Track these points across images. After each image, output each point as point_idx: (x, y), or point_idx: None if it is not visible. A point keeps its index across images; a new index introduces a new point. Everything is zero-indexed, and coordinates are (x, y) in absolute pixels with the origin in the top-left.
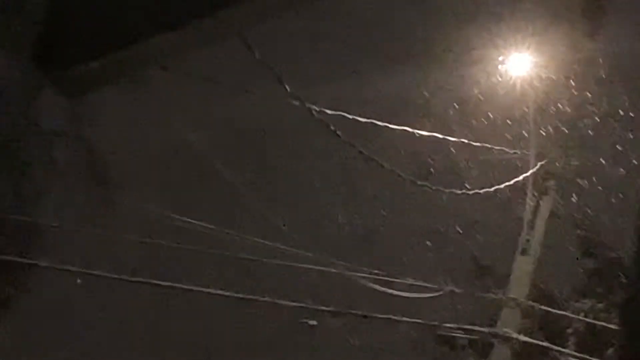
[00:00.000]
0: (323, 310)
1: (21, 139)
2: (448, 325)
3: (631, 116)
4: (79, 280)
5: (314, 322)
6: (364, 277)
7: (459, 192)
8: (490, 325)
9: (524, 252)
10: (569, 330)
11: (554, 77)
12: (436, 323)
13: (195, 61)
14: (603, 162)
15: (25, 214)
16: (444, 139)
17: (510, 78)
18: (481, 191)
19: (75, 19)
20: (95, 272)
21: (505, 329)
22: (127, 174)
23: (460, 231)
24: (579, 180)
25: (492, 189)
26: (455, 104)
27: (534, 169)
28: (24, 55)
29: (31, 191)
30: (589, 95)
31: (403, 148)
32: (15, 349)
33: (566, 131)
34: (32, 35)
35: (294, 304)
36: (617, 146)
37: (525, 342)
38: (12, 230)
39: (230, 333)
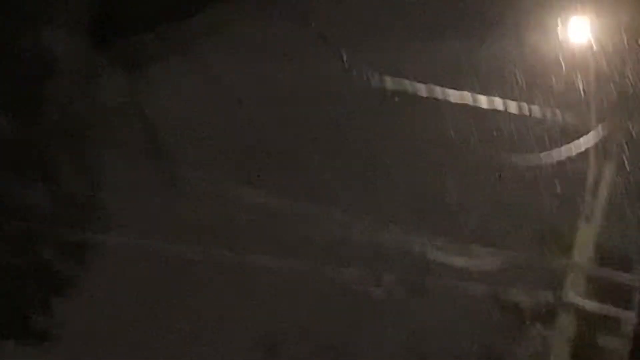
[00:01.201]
0: (386, 279)
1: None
2: (512, 292)
3: None
4: None
5: (377, 291)
6: (425, 245)
7: (520, 160)
8: (555, 292)
9: (588, 218)
10: (634, 295)
11: (616, 40)
12: (500, 290)
13: (252, 33)
14: None
15: (88, 190)
16: (503, 106)
17: (571, 42)
18: (542, 157)
19: None
20: (155, 246)
21: (569, 295)
22: (189, 147)
23: (522, 199)
24: None
25: (554, 155)
26: (514, 71)
27: (597, 135)
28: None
29: (92, 165)
30: None
31: (463, 116)
32: (85, 328)
33: (629, 95)
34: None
35: (357, 273)
36: None
37: (590, 308)
38: (76, 207)
39: (290, 305)
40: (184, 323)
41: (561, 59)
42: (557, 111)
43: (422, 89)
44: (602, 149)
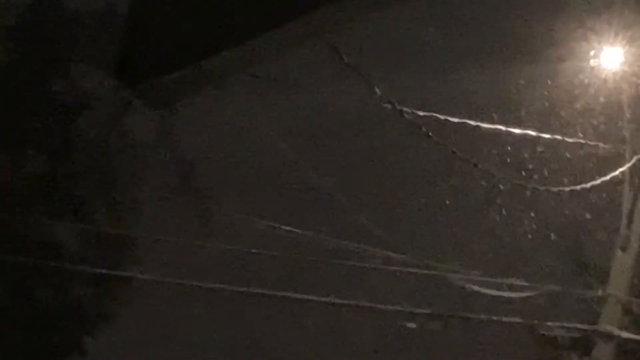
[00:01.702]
0: (421, 313)
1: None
2: (549, 324)
3: None
4: None
5: (413, 325)
6: (461, 279)
7: (555, 189)
8: (592, 323)
9: (623, 247)
10: None
11: None
12: (537, 322)
13: (283, 67)
14: None
15: (120, 227)
16: (537, 136)
17: (603, 72)
18: (578, 187)
19: (158, 31)
20: (187, 282)
21: (606, 326)
22: (218, 183)
23: (558, 229)
24: None
25: (589, 185)
26: (547, 101)
27: (631, 163)
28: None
29: (125, 204)
30: None
31: (496, 147)
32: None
33: None
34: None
35: (392, 307)
36: None
37: (627, 339)
38: (108, 243)
39: (328, 339)
40: (218, 357)
41: (595, 89)
42: (592, 141)
43: (454, 122)
44: (637, 178)
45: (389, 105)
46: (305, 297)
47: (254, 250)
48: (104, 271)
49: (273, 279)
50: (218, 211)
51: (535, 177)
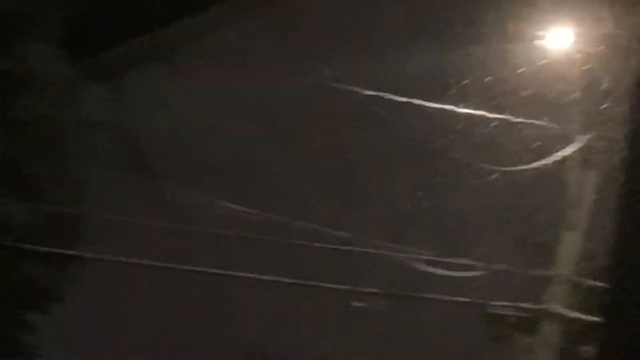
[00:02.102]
0: (369, 293)
1: (63, 130)
2: (496, 303)
3: None
4: None
5: (361, 304)
6: (409, 258)
7: (503, 168)
8: (538, 302)
9: (570, 227)
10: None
11: (595, 51)
12: (484, 302)
13: (231, 45)
14: None
15: (70, 206)
16: (485, 116)
17: (552, 52)
18: (525, 167)
19: (104, 6)
20: (139, 261)
21: (553, 305)
22: (170, 162)
23: (505, 208)
24: (625, 154)
25: (537, 164)
26: (495, 81)
27: (580, 144)
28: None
29: (76, 183)
30: (633, 69)
31: (443, 126)
32: (65, 341)
33: (613, 105)
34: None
35: (340, 286)
36: None
37: (574, 318)
38: (57, 222)
39: (275, 319)
40: (169, 338)
41: (544, 69)
42: (541, 121)
43: (404, 101)
44: (585, 158)
45: (337, 84)
46: (253, 275)
47: (203, 229)
48: (53, 250)
49: (222, 257)
50: (168, 190)
51: (483, 156)
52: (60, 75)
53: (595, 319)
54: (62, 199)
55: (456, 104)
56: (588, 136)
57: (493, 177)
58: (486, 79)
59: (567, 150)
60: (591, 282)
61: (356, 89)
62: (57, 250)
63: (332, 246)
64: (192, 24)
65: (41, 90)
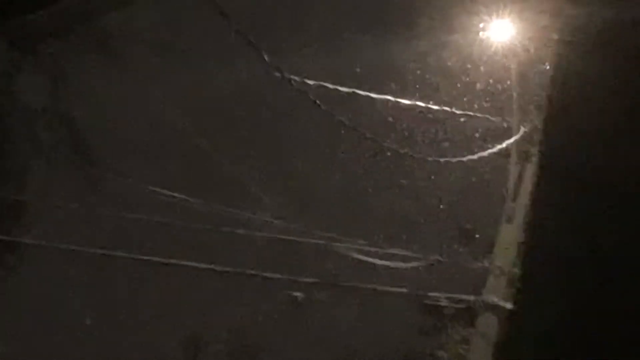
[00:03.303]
0: (308, 282)
1: (3, 117)
2: (434, 294)
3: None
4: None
5: (299, 294)
6: (348, 248)
7: (442, 160)
8: (476, 294)
9: (508, 219)
10: None
11: (535, 43)
12: (422, 292)
13: (173, 34)
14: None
15: (9, 192)
16: (425, 107)
17: (492, 45)
18: (464, 159)
19: None
20: (78, 248)
21: (491, 297)
22: (109, 150)
23: (444, 200)
24: (562, 146)
25: (476, 156)
26: (436, 72)
27: (518, 136)
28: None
29: (14, 169)
30: (571, 61)
31: (385, 117)
32: (5, 329)
33: (549, 97)
34: None
35: (279, 276)
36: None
37: (511, 310)
38: None
39: (214, 307)
40: (107, 324)
41: (484, 62)
42: (479, 113)
43: (344, 91)
44: (523, 150)
45: (277, 74)
46: (192, 264)
47: (143, 217)
48: None
49: (161, 245)
50: (108, 177)
51: (423, 147)
52: (2, 63)
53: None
54: (2, 185)
55: (399, 95)
56: (526, 128)
57: (432, 168)
58: (429, 71)
59: (506, 142)
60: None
61: (299, 79)
62: None
63: (272, 235)
64: (126, 14)
65: None
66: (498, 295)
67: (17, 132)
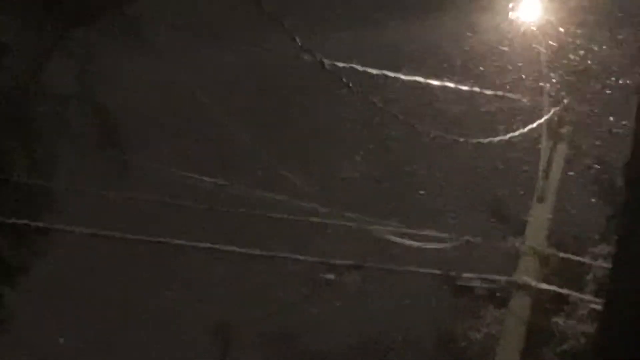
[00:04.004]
0: (340, 264)
1: (33, 103)
2: (466, 275)
3: None
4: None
5: (332, 276)
6: (381, 230)
7: (474, 141)
8: (509, 274)
9: (540, 199)
10: (588, 277)
11: (565, 23)
12: (454, 274)
13: (203, 18)
14: (617, 109)
15: (39, 178)
16: (456, 88)
17: (522, 25)
18: (495, 140)
19: None
20: (107, 233)
21: (523, 277)
22: (139, 135)
23: (475, 180)
24: (593, 126)
25: (507, 136)
26: (466, 53)
27: (548, 116)
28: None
29: (44, 155)
30: (602, 42)
31: (415, 98)
32: (33, 311)
33: (580, 77)
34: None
35: (311, 258)
36: (629, 91)
37: (543, 290)
38: (26, 194)
39: (247, 290)
40: (136, 310)
41: (514, 42)
42: (510, 93)
43: (375, 73)
44: (554, 130)
45: (309, 56)
46: (225, 248)
47: (174, 201)
48: (21, 222)
49: (194, 230)
50: (137, 162)
51: (454, 128)
52: (28, 48)
53: (565, 290)
54: (30, 171)
55: (428, 76)
56: (557, 108)
57: (463, 149)
58: (459, 52)
59: (537, 123)
60: (561, 254)
61: (329, 61)
62: (25, 223)
63: (304, 218)
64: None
65: (13, 63)
66: (530, 276)
67: (45, 118)
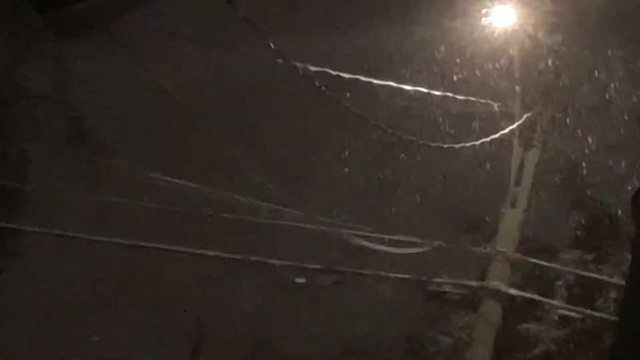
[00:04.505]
0: (312, 268)
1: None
2: (437, 280)
3: (619, 66)
4: None
5: (303, 280)
6: (351, 234)
7: (445, 146)
8: (480, 279)
9: (511, 205)
10: (559, 282)
11: (538, 29)
12: (425, 278)
13: (178, 22)
14: (591, 114)
15: (10, 179)
16: (428, 93)
17: (494, 31)
18: (467, 145)
19: None
20: (79, 235)
21: (494, 283)
22: (111, 137)
23: (447, 185)
24: (565, 132)
25: (478, 142)
26: (439, 58)
27: (520, 121)
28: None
29: (16, 157)
30: (575, 46)
31: (387, 104)
32: (6, 313)
33: (552, 83)
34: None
35: (282, 262)
36: (606, 96)
37: (514, 295)
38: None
39: (218, 293)
40: (107, 313)
41: (486, 48)
42: (481, 99)
43: (348, 78)
44: (526, 136)
45: (281, 60)
46: (194, 251)
47: (145, 204)
48: None
49: (164, 232)
50: (109, 164)
51: (426, 133)
52: (7, 50)
53: (536, 296)
54: (2, 172)
55: (401, 81)
56: (529, 114)
57: (435, 154)
58: (431, 57)
59: (509, 128)
60: (532, 260)
61: (302, 65)
62: None
63: (275, 222)
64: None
65: None
66: (502, 281)
67: (18, 119)
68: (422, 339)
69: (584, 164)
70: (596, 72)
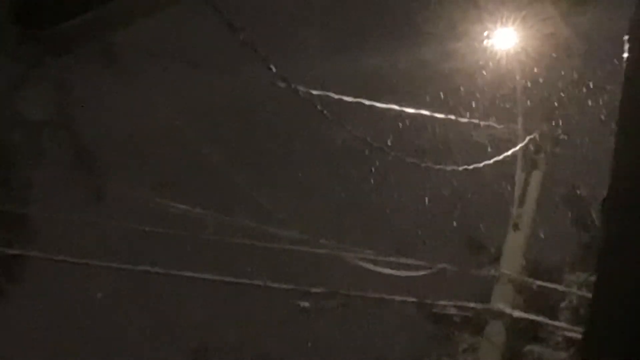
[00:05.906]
0: (315, 292)
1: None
2: (441, 302)
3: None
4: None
5: (306, 304)
6: (355, 257)
7: (448, 168)
8: (484, 302)
9: (515, 227)
10: (563, 304)
11: (540, 51)
12: (429, 301)
13: (179, 44)
14: (592, 136)
15: (13, 205)
16: (430, 116)
17: (496, 53)
18: (470, 167)
19: None
20: (84, 261)
21: (498, 305)
22: (115, 162)
23: (451, 208)
24: (568, 153)
25: (481, 164)
26: (441, 81)
27: (523, 144)
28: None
29: (19, 181)
30: (576, 69)
31: (390, 126)
32: (8, 339)
33: (554, 104)
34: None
35: (285, 286)
36: (602, 118)
37: (518, 317)
38: (0, 221)
39: (221, 318)
40: (111, 336)
41: (489, 70)
42: (486, 122)
43: (349, 100)
44: (529, 158)
45: (283, 84)
46: (198, 275)
47: (148, 229)
48: None
49: (167, 257)
50: (112, 189)
51: (429, 156)
52: (2, 73)
53: (540, 318)
54: (5, 197)
55: (403, 104)
56: (532, 136)
57: (439, 176)
58: (434, 80)
59: (512, 150)
60: (536, 282)
61: (304, 88)
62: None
63: (279, 246)
64: (136, 27)
65: None
66: (506, 303)
67: (20, 144)
68: None
69: (587, 185)
70: (599, 93)
